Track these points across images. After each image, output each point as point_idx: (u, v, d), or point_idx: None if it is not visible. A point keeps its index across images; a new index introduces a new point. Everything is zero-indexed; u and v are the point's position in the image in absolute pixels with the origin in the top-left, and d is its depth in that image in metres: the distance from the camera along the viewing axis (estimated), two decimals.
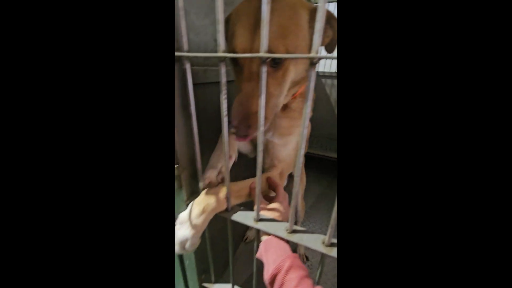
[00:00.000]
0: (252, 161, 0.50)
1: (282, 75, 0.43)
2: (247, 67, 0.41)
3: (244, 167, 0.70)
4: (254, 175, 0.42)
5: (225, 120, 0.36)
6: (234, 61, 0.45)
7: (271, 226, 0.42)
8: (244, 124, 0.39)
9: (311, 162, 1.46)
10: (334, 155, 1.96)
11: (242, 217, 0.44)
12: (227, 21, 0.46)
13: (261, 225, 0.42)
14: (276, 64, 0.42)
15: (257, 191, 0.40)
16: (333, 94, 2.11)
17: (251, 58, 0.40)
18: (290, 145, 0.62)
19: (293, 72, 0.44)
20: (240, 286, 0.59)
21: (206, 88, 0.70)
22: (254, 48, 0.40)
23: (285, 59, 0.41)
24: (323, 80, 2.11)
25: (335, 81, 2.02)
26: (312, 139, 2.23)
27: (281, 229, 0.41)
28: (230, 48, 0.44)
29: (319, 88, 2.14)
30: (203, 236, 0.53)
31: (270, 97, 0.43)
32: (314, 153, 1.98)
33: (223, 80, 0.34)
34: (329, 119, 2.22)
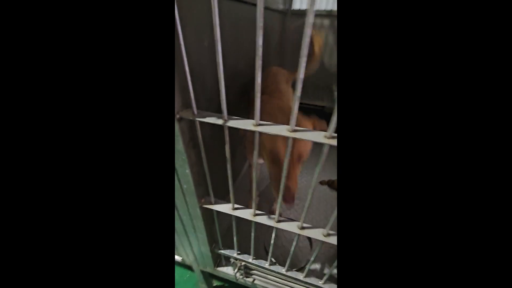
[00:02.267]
0: None
1: None
2: None
3: None
4: None
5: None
6: None
7: (272, 128, 0.42)
8: None
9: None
10: (320, 103, 1.97)
11: (241, 123, 0.43)
12: None
13: (260, 129, 0.42)
14: None
15: (256, 87, 0.37)
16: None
17: None
18: None
19: None
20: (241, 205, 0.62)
21: None
22: None
23: None
24: None
25: (325, 22, 1.88)
26: None
27: (282, 130, 0.41)
28: None
29: None
30: (200, 161, 0.52)
31: None
32: (300, 102, 1.97)
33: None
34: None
